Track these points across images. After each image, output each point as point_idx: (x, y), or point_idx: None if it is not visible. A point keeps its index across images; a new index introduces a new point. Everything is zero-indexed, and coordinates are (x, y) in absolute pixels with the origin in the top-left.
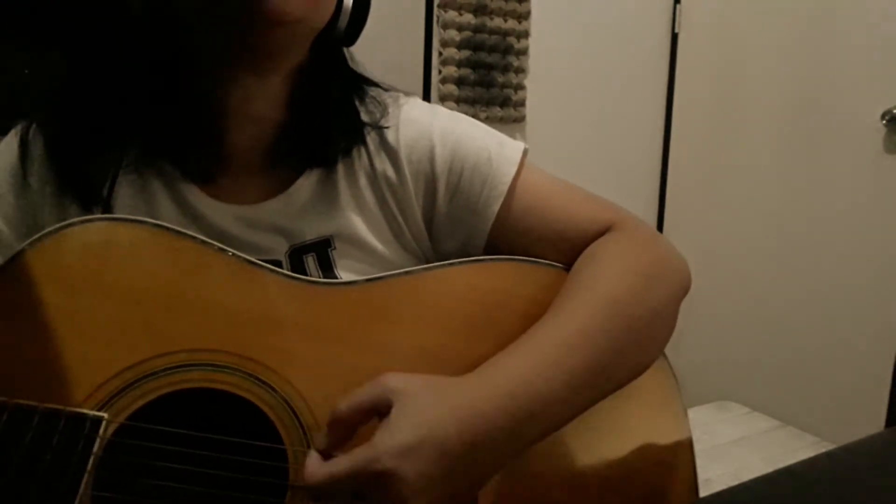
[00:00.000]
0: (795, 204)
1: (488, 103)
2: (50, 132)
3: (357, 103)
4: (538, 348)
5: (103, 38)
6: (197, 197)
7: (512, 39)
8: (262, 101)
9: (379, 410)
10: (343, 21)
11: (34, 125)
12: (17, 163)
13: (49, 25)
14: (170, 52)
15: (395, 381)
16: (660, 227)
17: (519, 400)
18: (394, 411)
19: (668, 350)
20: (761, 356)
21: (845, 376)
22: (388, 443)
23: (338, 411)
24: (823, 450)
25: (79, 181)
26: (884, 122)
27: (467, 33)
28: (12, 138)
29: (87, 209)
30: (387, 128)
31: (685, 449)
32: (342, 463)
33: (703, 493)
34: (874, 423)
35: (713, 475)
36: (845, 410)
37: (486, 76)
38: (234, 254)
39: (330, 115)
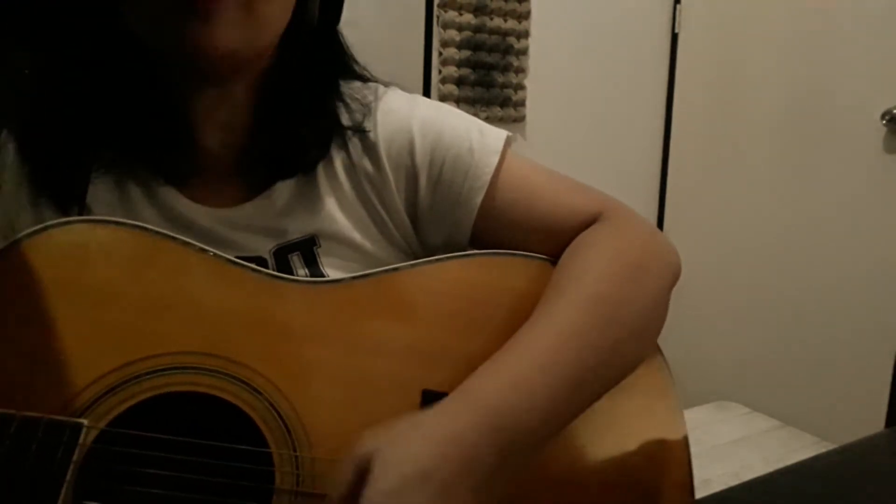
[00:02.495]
0: (795, 204)
1: (488, 103)
2: (22, 136)
3: (337, 102)
4: (519, 362)
5: (74, 46)
6: (176, 199)
7: (512, 39)
8: (226, 108)
9: (365, 470)
10: (314, 6)
11: (5, 130)
12: None
13: (19, 28)
14: (133, 63)
15: (368, 443)
16: (660, 227)
17: (502, 419)
18: (374, 461)
19: (667, 349)
20: (761, 356)
21: (845, 376)
22: (374, 494)
23: (332, 497)
24: (823, 450)
25: (53, 184)
26: (884, 122)
27: (467, 33)
28: None
29: (63, 212)
30: (368, 131)
31: (680, 445)
32: None
33: (703, 493)
34: (874, 423)
35: (713, 475)
36: (845, 410)
37: (486, 76)
38: (215, 254)
39: (301, 122)
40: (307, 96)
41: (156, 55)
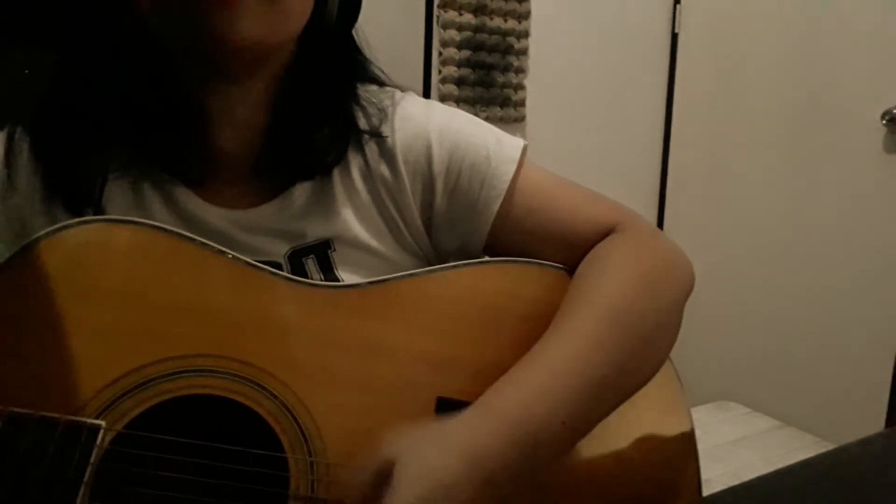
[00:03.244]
0: (795, 204)
1: (488, 103)
2: (37, 137)
3: (354, 106)
4: (539, 373)
5: (89, 44)
6: (191, 201)
7: (512, 39)
8: (243, 106)
9: (385, 477)
10: (333, 5)
11: (19, 130)
12: (1, 170)
13: (40, 27)
14: (149, 61)
15: (388, 448)
16: (660, 227)
17: (523, 431)
18: (395, 472)
19: None
20: (761, 356)
21: (845, 376)
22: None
23: (348, 500)
24: (823, 450)
25: (67, 186)
26: (884, 122)
27: (467, 33)
28: None
29: (76, 214)
30: (385, 136)
31: (690, 451)
32: None
33: (703, 493)
34: (874, 423)
35: (713, 475)
36: (845, 410)
37: (486, 76)
38: (233, 256)
39: (318, 122)
40: (325, 97)
41: (173, 50)
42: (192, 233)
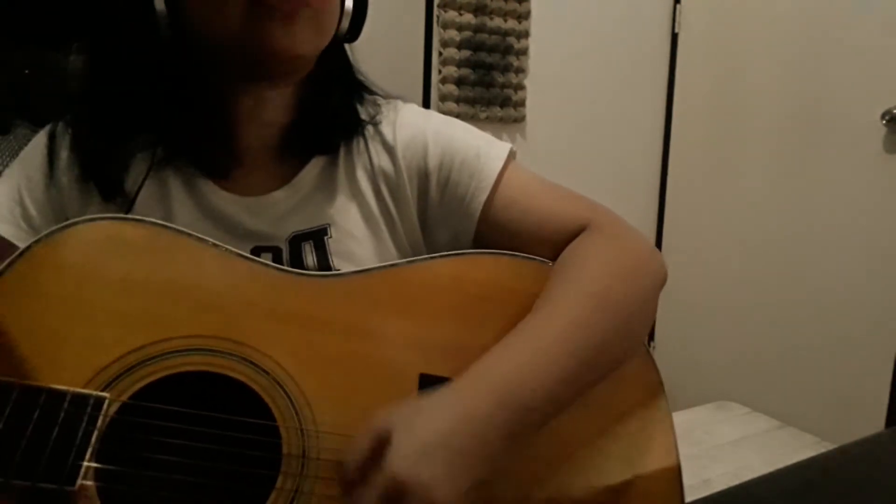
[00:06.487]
0: (795, 204)
1: (488, 103)
2: (77, 132)
3: (357, 104)
4: (525, 346)
5: (127, 46)
6: (211, 190)
7: (512, 39)
8: (272, 108)
9: (383, 442)
10: (345, 21)
11: (62, 124)
12: (45, 159)
13: (61, 28)
14: (187, 66)
15: (384, 418)
16: (660, 226)
17: (510, 397)
18: (395, 435)
19: (668, 349)
20: (761, 356)
21: (845, 376)
22: (398, 457)
23: (345, 474)
24: (823, 450)
25: (103, 178)
26: (884, 122)
27: (467, 33)
28: (43, 135)
29: (108, 203)
30: (380, 123)
31: (667, 442)
32: (366, 495)
33: (703, 493)
34: (874, 423)
35: (713, 475)
36: (845, 410)
37: (486, 76)
38: (227, 249)
39: (333, 113)
40: (340, 92)
41: (223, 60)
42: (206, 217)
